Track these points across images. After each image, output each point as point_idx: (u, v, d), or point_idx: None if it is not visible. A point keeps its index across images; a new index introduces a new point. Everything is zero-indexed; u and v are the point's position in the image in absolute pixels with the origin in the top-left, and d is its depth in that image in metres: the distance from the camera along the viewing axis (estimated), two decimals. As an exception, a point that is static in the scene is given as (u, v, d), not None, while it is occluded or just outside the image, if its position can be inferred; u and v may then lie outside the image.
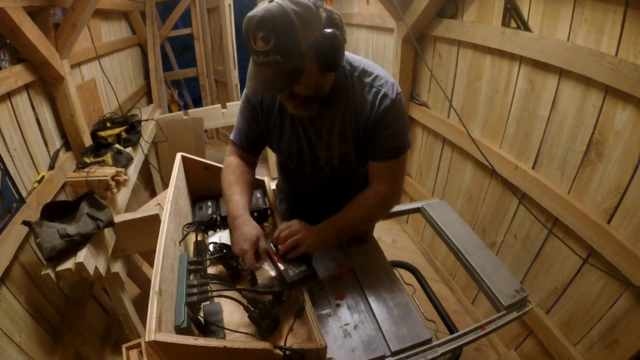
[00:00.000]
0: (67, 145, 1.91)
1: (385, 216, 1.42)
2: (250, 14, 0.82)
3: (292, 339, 0.86)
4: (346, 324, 0.95)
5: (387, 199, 1.07)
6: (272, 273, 0.98)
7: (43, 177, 1.60)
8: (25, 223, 1.31)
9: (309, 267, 0.93)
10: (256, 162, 1.22)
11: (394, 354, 0.88)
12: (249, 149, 1.17)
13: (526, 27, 1.51)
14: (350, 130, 1.04)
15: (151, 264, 1.58)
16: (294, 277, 0.90)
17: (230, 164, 1.14)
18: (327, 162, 1.13)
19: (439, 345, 0.91)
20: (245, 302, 0.87)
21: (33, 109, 1.65)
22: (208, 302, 0.93)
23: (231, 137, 1.18)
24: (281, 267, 0.92)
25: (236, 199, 1.03)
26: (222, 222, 1.22)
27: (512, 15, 1.56)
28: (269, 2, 0.81)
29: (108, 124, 2.23)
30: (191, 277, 0.97)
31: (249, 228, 0.96)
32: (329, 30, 0.85)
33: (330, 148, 1.08)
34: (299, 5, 0.81)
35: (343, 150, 1.08)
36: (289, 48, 0.81)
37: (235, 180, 1.09)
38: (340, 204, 1.06)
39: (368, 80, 0.99)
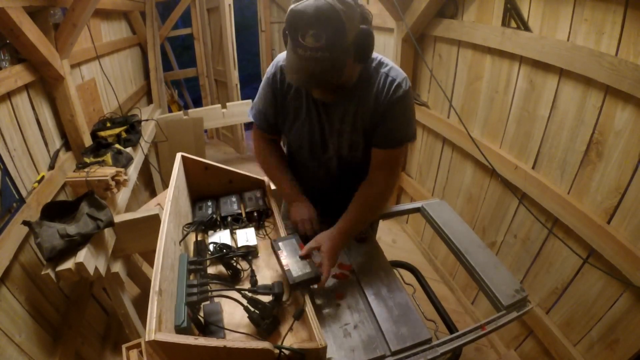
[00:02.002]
0: (67, 145, 1.91)
1: (385, 216, 1.43)
2: (298, 8, 0.83)
3: (292, 339, 0.87)
4: (346, 324, 0.95)
5: (390, 185, 1.15)
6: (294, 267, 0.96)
7: (43, 177, 1.60)
8: (25, 223, 1.31)
9: (313, 269, 0.93)
10: (279, 140, 1.31)
11: (394, 353, 0.88)
12: (274, 132, 1.24)
13: (526, 27, 1.51)
14: (361, 119, 1.08)
15: (151, 264, 1.58)
16: (297, 279, 0.90)
17: (263, 148, 1.27)
18: (336, 152, 1.17)
19: (439, 345, 0.91)
20: (245, 302, 0.87)
21: (33, 109, 1.65)
22: (208, 302, 0.93)
23: (251, 117, 1.24)
24: (285, 267, 0.93)
25: (290, 184, 1.22)
26: (222, 222, 1.22)
27: (512, 15, 1.56)
28: None
29: (108, 124, 2.23)
30: (191, 277, 0.97)
31: (307, 209, 1.15)
32: (365, 27, 0.91)
33: (342, 136, 1.12)
34: (344, 3, 0.84)
35: (353, 139, 1.12)
36: (337, 45, 0.85)
37: (277, 163, 1.25)
38: (346, 201, 1.11)
39: (384, 70, 1.05)
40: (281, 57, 1.12)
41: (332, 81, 0.92)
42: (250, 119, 1.24)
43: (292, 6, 0.85)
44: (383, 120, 1.07)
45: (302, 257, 0.96)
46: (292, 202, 1.19)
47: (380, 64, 1.05)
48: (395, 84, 1.03)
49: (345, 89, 1.03)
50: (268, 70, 1.14)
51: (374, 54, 1.06)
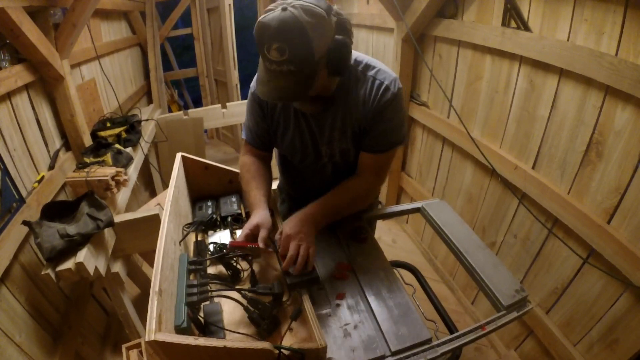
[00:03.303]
0: (67, 145, 1.91)
1: (385, 216, 1.43)
2: (263, 20, 0.81)
3: (292, 339, 0.87)
4: (346, 324, 0.95)
5: (374, 188, 1.15)
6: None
7: (43, 177, 1.60)
8: (25, 223, 1.31)
9: (312, 271, 0.93)
10: (270, 157, 1.26)
11: (394, 353, 0.88)
12: (262, 147, 1.21)
13: (526, 27, 1.51)
14: (349, 126, 1.06)
15: (151, 264, 1.58)
16: (295, 280, 0.90)
17: (245, 163, 1.19)
18: (330, 158, 1.15)
19: (439, 345, 0.91)
20: (245, 302, 0.87)
21: (33, 109, 1.65)
22: (208, 302, 0.93)
23: (243, 136, 1.23)
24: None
25: (253, 194, 1.09)
26: (222, 222, 1.22)
27: (512, 15, 1.56)
28: (282, 9, 0.80)
29: (108, 124, 2.23)
30: (191, 277, 0.97)
31: (254, 217, 1.00)
32: (339, 38, 0.88)
33: (332, 143, 1.11)
34: (314, 16, 0.81)
35: (343, 145, 1.11)
36: (303, 59, 0.83)
37: (251, 177, 1.14)
38: None
39: (371, 73, 1.02)
40: None
41: (297, 95, 0.90)
42: (244, 137, 1.22)
43: (260, 18, 0.83)
44: (372, 125, 1.04)
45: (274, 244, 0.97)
46: (252, 210, 1.07)
47: (367, 67, 1.02)
48: (383, 87, 1.00)
49: (324, 99, 1.01)
50: (252, 85, 1.12)
51: (361, 57, 1.03)
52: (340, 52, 0.89)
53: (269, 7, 0.83)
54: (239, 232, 1.16)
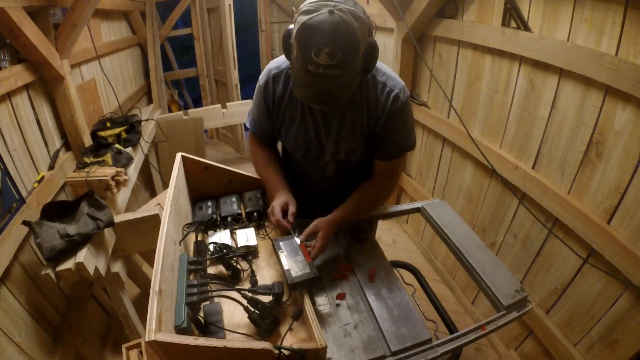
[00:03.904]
0: (67, 145, 1.91)
1: (385, 216, 1.43)
2: (311, 23, 0.80)
3: (292, 339, 0.87)
4: (346, 324, 0.95)
5: (390, 190, 1.22)
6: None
7: (43, 177, 1.60)
8: (25, 223, 1.31)
9: (312, 270, 0.93)
10: (276, 143, 1.31)
11: (394, 354, 0.88)
12: (264, 139, 1.25)
13: (526, 27, 1.51)
14: (360, 126, 1.08)
15: (151, 264, 1.57)
16: (297, 279, 0.90)
17: (256, 150, 1.26)
18: (333, 157, 1.16)
19: (439, 345, 0.91)
20: (245, 302, 0.87)
21: (33, 109, 1.65)
22: (208, 302, 0.93)
23: (247, 124, 1.27)
24: (285, 266, 0.93)
25: (272, 178, 1.17)
26: (222, 222, 1.22)
27: (512, 15, 1.56)
28: (330, 12, 0.79)
29: (108, 124, 2.23)
30: (191, 277, 0.97)
31: (282, 197, 1.07)
32: (372, 40, 0.90)
33: (338, 142, 1.12)
34: (360, 20, 0.83)
35: (350, 144, 1.12)
36: (350, 63, 0.84)
37: (266, 164, 1.22)
38: (343, 202, 1.12)
39: (381, 79, 1.03)
40: (273, 64, 1.11)
41: (341, 99, 0.90)
42: (248, 126, 1.26)
43: (304, 19, 0.81)
44: (382, 133, 1.06)
45: (304, 240, 1.02)
46: (275, 191, 1.13)
47: (377, 71, 1.04)
48: (393, 95, 1.01)
49: None
50: (260, 79, 1.13)
51: None
52: (373, 55, 0.92)
53: (308, 8, 0.82)
54: (239, 232, 1.16)
